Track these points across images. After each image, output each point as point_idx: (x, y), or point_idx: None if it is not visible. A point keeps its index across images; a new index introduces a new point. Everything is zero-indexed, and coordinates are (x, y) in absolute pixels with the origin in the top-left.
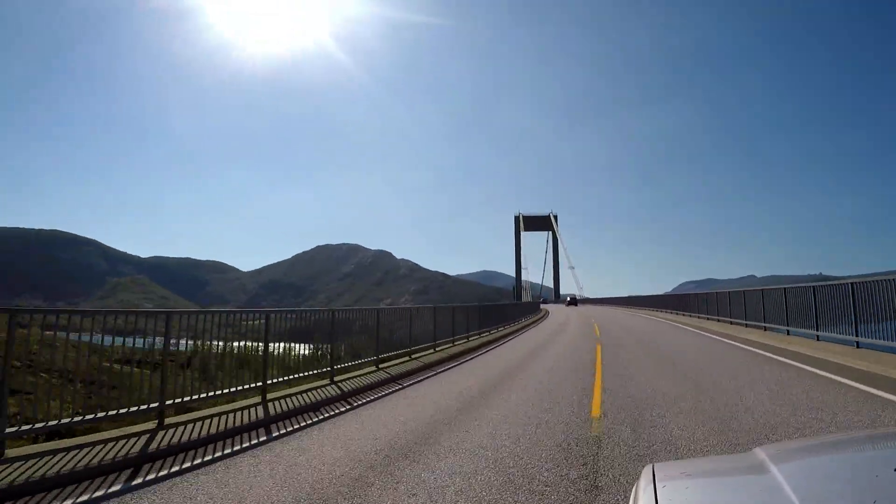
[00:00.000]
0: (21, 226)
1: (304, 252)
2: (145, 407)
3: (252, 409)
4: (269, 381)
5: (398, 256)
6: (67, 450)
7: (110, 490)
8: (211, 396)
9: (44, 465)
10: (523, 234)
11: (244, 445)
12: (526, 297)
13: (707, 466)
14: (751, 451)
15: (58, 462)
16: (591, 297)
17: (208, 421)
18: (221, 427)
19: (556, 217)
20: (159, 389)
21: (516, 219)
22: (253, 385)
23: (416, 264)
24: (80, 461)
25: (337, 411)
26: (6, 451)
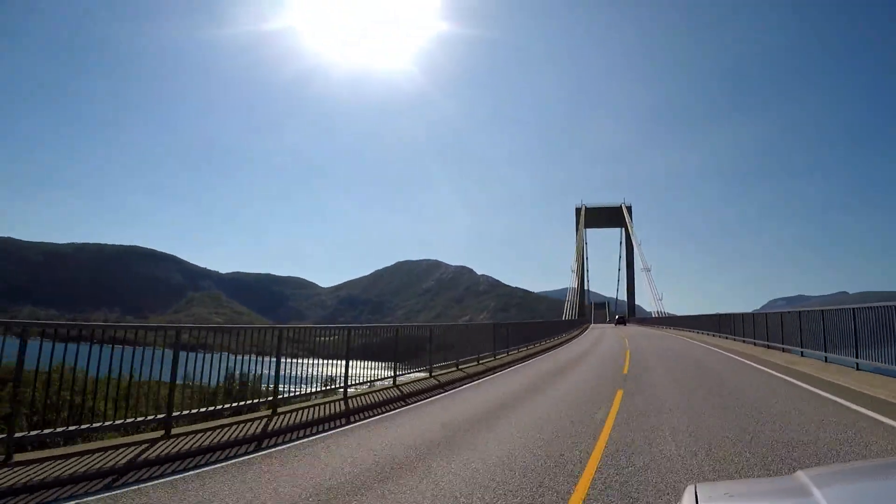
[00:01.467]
0: (102, 241)
1: (384, 268)
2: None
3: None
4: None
5: (479, 272)
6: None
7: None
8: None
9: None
10: (588, 231)
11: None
12: (569, 314)
13: (749, 488)
14: (794, 474)
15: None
16: (659, 313)
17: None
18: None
19: (629, 208)
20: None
21: (577, 211)
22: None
23: (497, 280)
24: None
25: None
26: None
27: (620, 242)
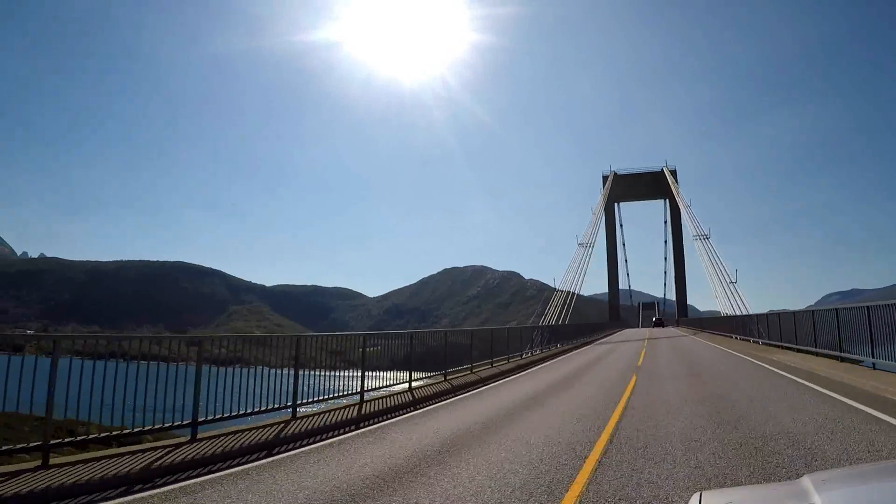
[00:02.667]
0: (146, 258)
1: (430, 276)
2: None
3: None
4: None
5: (527, 277)
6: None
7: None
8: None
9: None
10: (623, 206)
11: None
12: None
13: (753, 494)
14: (799, 479)
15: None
16: (736, 301)
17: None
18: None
19: (674, 172)
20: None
21: (604, 180)
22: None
23: (545, 284)
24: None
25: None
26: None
27: (665, 220)
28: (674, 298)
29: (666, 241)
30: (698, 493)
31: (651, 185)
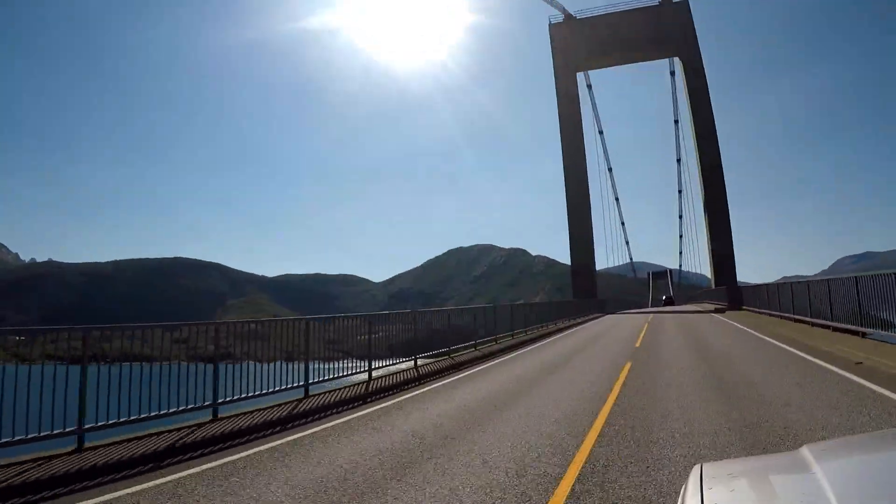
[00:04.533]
0: (143, 256)
1: (435, 258)
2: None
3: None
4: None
5: (534, 253)
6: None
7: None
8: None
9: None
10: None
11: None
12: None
13: (752, 465)
14: (798, 450)
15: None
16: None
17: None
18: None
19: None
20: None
21: (551, 37)
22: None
23: (554, 260)
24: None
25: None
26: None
27: (673, 96)
28: (700, 261)
29: (679, 142)
30: (699, 465)
31: (644, 31)
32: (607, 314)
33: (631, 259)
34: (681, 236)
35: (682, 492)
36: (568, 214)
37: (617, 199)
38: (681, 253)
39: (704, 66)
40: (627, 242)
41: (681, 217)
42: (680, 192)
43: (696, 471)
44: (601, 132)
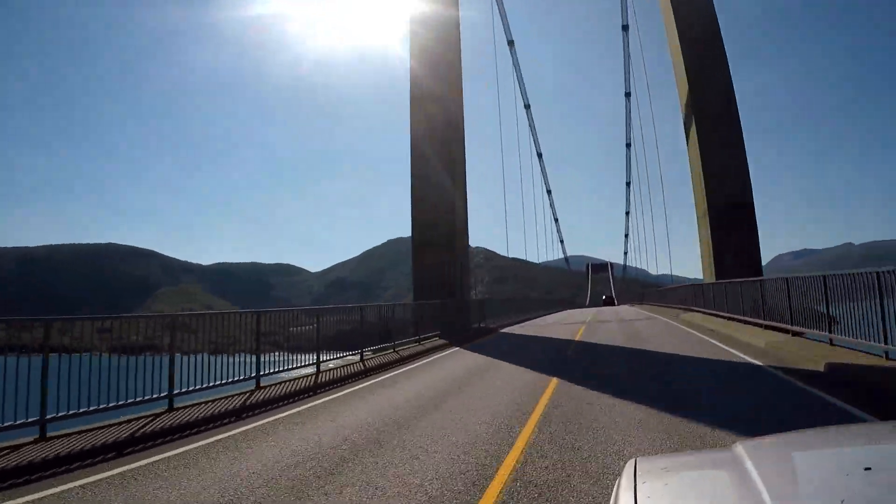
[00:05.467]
0: (77, 241)
1: (374, 248)
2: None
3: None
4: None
5: (473, 245)
6: None
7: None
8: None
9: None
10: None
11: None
12: None
13: (687, 461)
14: (732, 446)
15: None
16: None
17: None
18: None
19: None
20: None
21: None
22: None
23: (493, 251)
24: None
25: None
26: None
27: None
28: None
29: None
30: (633, 460)
31: None
32: (485, 335)
33: (564, 250)
34: (626, 235)
35: (615, 486)
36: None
37: (544, 168)
38: (626, 235)
39: None
40: (556, 220)
41: (628, 213)
42: (628, 183)
43: (629, 465)
44: (528, 106)
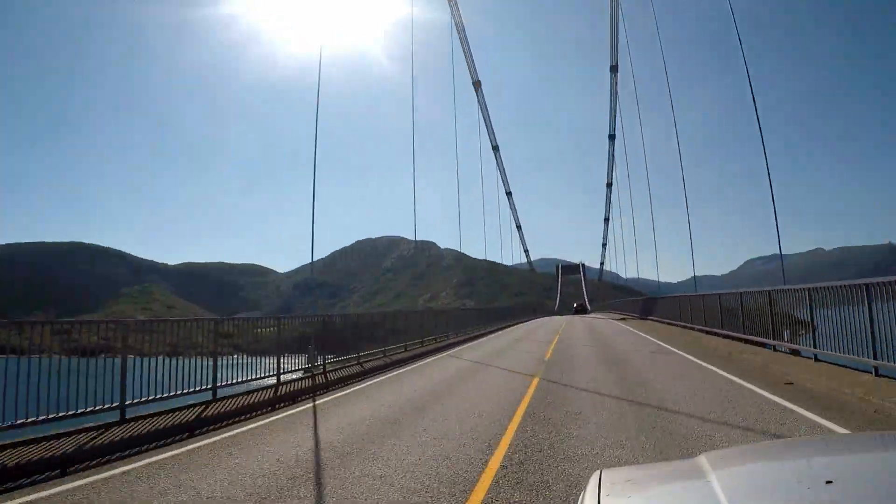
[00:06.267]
0: (43, 240)
1: (342, 248)
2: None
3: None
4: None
5: (442, 246)
6: None
7: None
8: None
9: None
10: None
11: None
12: None
13: (651, 472)
14: (696, 458)
15: None
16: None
17: None
18: None
19: None
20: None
21: None
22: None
23: (463, 253)
24: None
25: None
26: None
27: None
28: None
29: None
30: (598, 471)
31: None
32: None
33: (526, 250)
34: (604, 245)
35: (580, 497)
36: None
37: (497, 149)
38: (604, 245)
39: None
40: (519, 228)
41: (607, 220)
42: (609, 185)
43: (594, 477)
44: (477, 82)
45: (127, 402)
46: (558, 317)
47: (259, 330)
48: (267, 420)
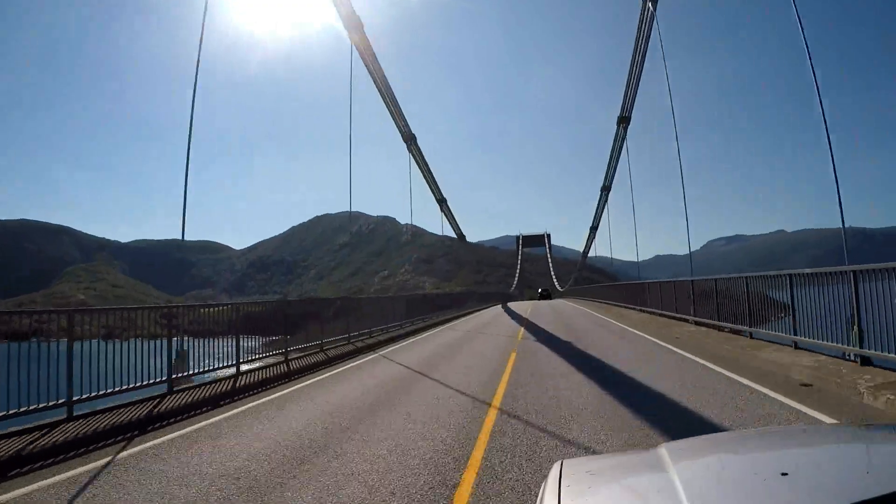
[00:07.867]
0: None
1: (300, 224)
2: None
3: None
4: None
5: (402, 222)
6: None
7: None
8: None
9: None
10: None
11: None
12: None
13: (611, 463)
14: (656, 448)
15: None
16: None
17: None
18: None
19: None
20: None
21: None
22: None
23: (423, 229)
24: None
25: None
26: None
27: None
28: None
29: None
30: (559, 462)
31: None
32: None
33: (455, 225)
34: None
35: (541, 489)
36: None
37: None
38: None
39: None
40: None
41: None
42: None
43: (555, 468)
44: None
45: None
46: (518, 303)
47: (205, 310)
48: (224, 415)
